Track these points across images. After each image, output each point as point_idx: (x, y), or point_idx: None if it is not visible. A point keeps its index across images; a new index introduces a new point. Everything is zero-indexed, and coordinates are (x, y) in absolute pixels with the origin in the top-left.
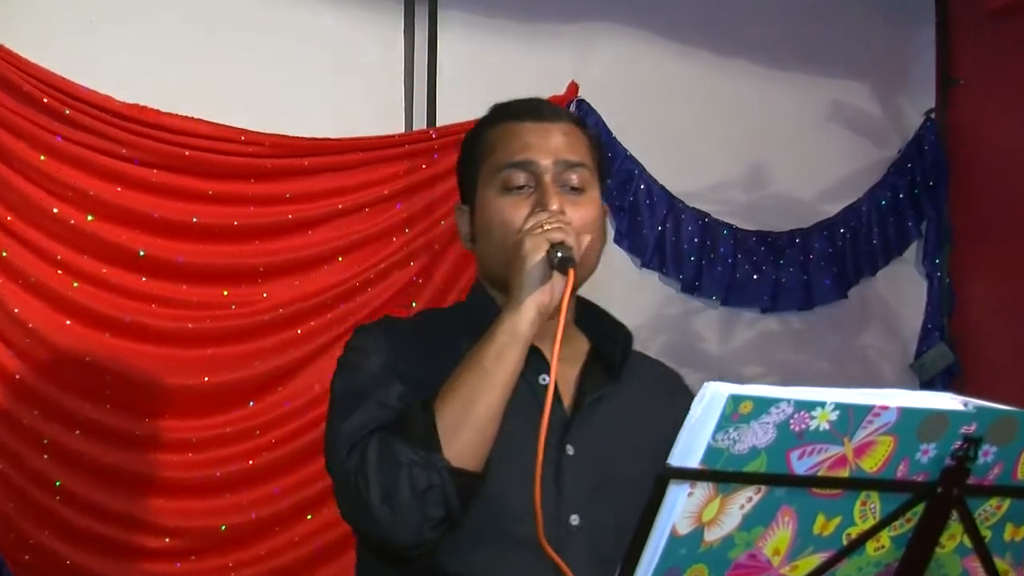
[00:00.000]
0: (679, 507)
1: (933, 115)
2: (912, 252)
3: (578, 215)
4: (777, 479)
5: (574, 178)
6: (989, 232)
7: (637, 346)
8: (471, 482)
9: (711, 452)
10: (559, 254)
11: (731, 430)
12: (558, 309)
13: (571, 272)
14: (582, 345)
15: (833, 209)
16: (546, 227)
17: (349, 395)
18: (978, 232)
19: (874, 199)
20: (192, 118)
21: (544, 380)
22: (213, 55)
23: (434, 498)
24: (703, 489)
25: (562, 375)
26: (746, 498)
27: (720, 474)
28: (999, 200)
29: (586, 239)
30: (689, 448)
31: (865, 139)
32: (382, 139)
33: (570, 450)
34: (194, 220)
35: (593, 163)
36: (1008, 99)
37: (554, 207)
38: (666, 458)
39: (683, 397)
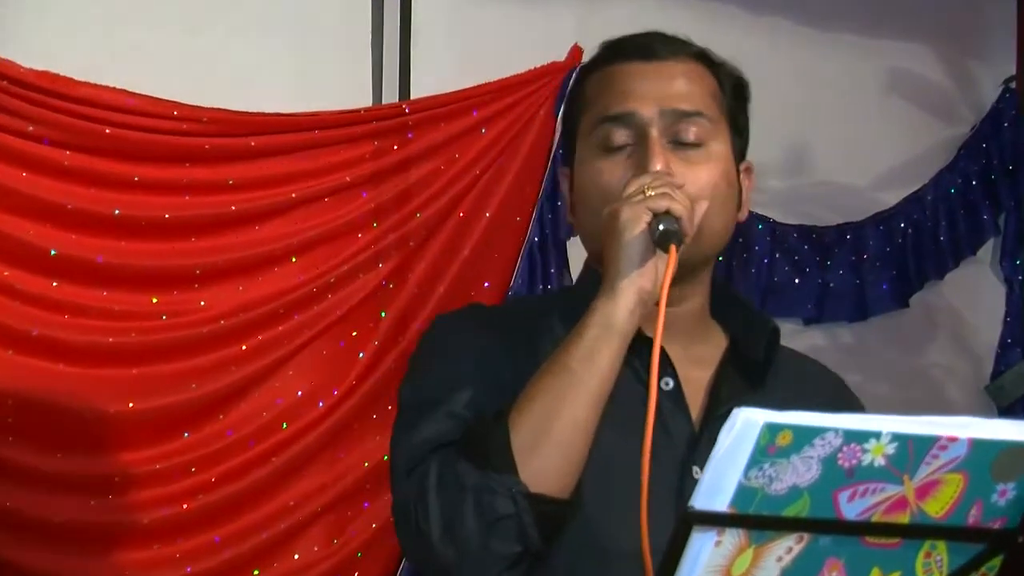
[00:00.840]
0: (704, 558)
1: (1014, 84)
2: (987, 251)
3: (692, 176)
4: (823, 525)
5: (691, 131)
6: None
7: None
8: (555, 510)
9: (743, 492)
10: (661, 226)
11: (767, 466)
12: (689, 290)
13: (672, 249)
14: (719, 342)
15: (891, 199)
16: (649, 192)
17: (416, 403)
18: None
19: (941, 187)
20: (114, 88)
21: (668, 385)
22: (142, 15)
23: (507, 530)
24: (733, 537)
25: (691, 379)
26: (785, 548)
27: (754, 519)
28: None
29: (702, 205)
30: (717, 487)
31: (930, 114)
32: (345, 115)
33: (697, 472)
34: (116, 212)
35: (720, 110)
36: None
37: (658, 167)
38: None
39: (846, 405)
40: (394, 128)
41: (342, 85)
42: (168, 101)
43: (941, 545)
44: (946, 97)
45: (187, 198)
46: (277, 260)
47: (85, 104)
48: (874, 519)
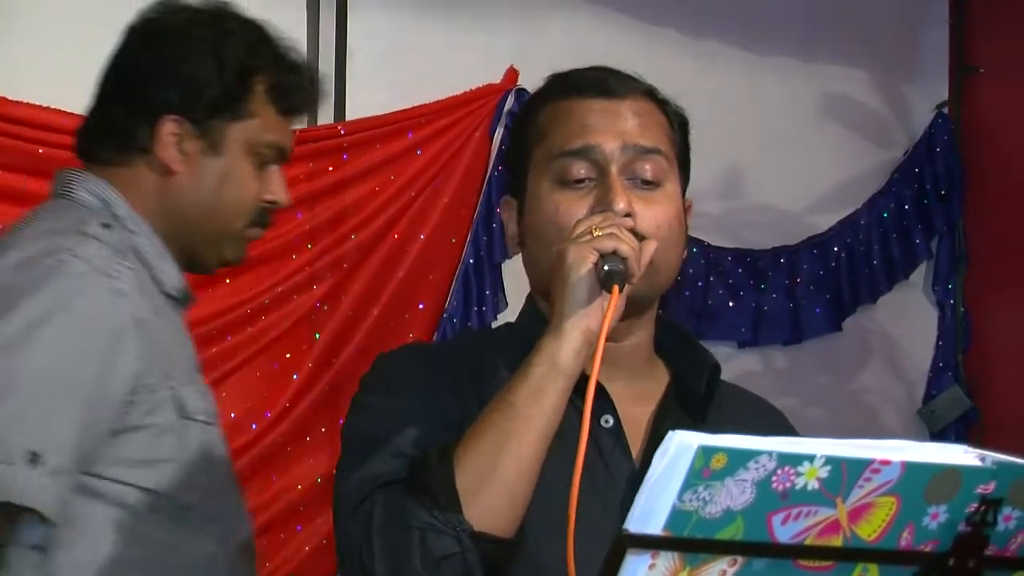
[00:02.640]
0: None
1: (946, 110)
2: (920, 275)
3: (651, 215)
4: (756, 548)
5: (647, 168)
6: (1013, 250)
7: None
8: (499, 550)
9: (677, 515)
10: (606, 267)
11: (701, 489)
12: (634, 327)
13: (615, 290)
14: (662, 378)
15: (826, 223)
16: (596, 232)
17: (360, 442)
18: (1000, 250)
19: (875, 211)
20: (47, 108)
21: (608, 423)
22: (77, 34)
23: (451, 570)
24: (667, 560)
25: (633, 415)
26: (719, 571)
27: (688, 542)
28: None
29: (650, 247)
30: (650, 510)
31: (864, 139)
32: None
33: None
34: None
35: (672, 149)
36: None
37: (620, 206)
38: None
39: None
40: (329, 149)
41: None
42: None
43: (873, 568)
44: (880, 122)
45: None
46: (211, 282)
47: (18, 124)
48: (807, 542)
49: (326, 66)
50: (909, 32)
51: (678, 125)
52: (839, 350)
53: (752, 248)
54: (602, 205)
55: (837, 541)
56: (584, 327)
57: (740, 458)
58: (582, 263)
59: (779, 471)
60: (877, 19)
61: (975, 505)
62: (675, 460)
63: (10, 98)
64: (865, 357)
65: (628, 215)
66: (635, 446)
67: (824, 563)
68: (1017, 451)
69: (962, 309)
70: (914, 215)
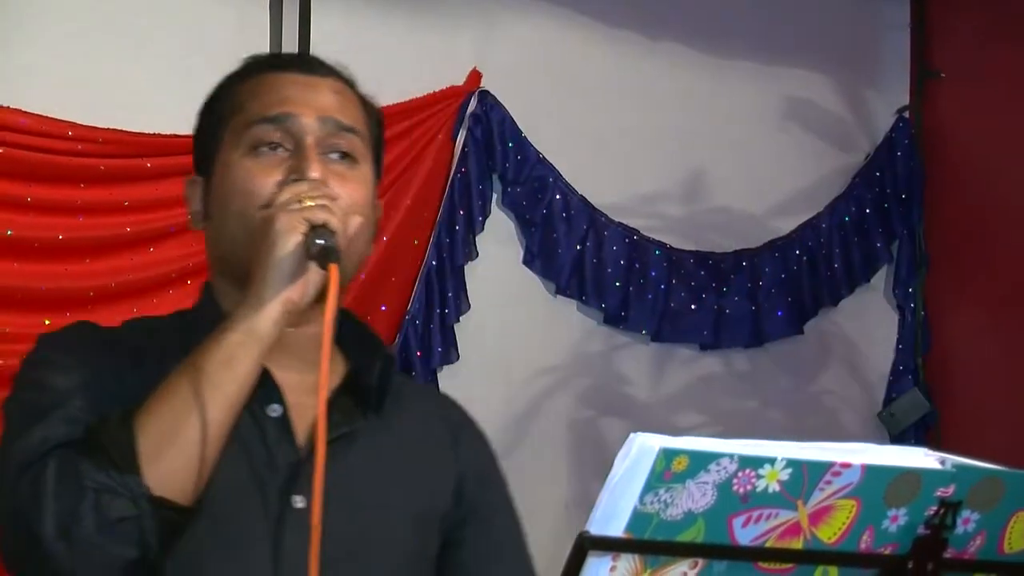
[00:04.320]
0: None
1: (907, 114)
2: (881, 278)
3: (347, 191)
4: (717, 551)
5: (343, 144)
6: (973, 255)
7: (549, 388)
8: (177, 517)
9: (638, 518)
10: (319, 241)
11: (662, 491)
12: (316, 312)
13: (333, 269)
14: (338, 369)
15: (787, 226)
16: (306, 202)
17: (27, 413)
18: (960, 255)
19: (836, 214)
20: (6, 108)
21: (275, 412)
22: (39, 37)
23: (126, 534)
24: (628, 562)
25: (304, 406)
26: (680, 573)
27: (649, 544)
28: (985, 216)
29: (355, 221)
30: (612, 513)
31: (826, 142)
32: None
33: (299, 502)
34: (8, 233)
35: (368, 134)
36: (995, 96)
37: (315, 174)
38: (436, 517)
39: (468, 443)
40: None
41: None
42: (63, 121)
43: (833, 571)
44: (842, 125)
45: (81, 219)
46: (172, 283)
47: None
48: (768, 544)
49: None
50: (870, 36)
51: (375, 120)
52: (800, 353)
53: (714, 251)
54: (296, 174)
55: (798, 544)
56: (286, 298)
57: (701, 460)
58: (291, 232)
59: (740, 473)
60: (838, 23)
61: (934, 508)
62: (636, 462)
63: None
64: (826, 360)
65: (324, 185)
66: (303, 437)
67: (785, 565)
68: (976, 454)
69: (922, 313)
70: (875, 219)
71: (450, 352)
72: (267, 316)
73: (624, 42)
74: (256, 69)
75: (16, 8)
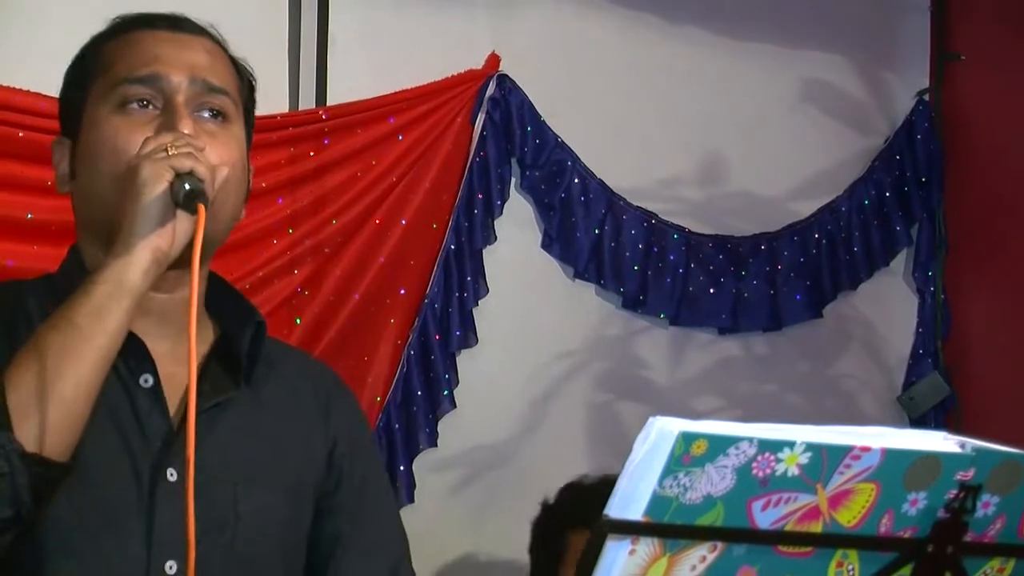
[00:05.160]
0: (618, 567)
1: (927, 97)
2: (900, 262)
3: (216, 150)
4: (736, 534)
5: (217, 104)
6: (992, 238)
7: (568, 372)
8: (51, 473)
9: (657, 501)
10: (187, 186)
11: (681, 475)
12: (186, 276)
13: (201, 209)
14: (206, 335)
15: (806, 210)
16: (172, 151)
17: None
18: (979, 238)
19: (855, 198)
20: (27, 91)
21: (147, 382)
22: (56, 17)
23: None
24: (648, 546)
25: (175, 375)
26: (699, 557)
27: (668, 528)
28: (1005, 199)
29: (223, 172)
30: (631, 496)
31: (845, 125)
32: (261, 120)
33: (172, 475)
34: (29, 216)
35: (239, 98)
36: (1016, 78)
37: (186, 130)
38: (310, 487)
39: (339, 409)
40: (310, 134)
41: (258, 91)
42: None
43: (853, 554)
44: (861, 108)
45: None
46: None
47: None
48: (787, 528)
49: (307, 51)
50: (890, 19)
51: (247, 85)
52: (819, 337)
53: (732, 235)
54: (166, 128)
55: (817, 527)
56: (155, 246)
57: (721, 444)
58: (157, 180)
59: (759, 457)
60: (858, 5)
61: (954, 492)
62: (656, 446)
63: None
64: (845, 344)
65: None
66: (174, 407)
67: (804, 549)
68: (996, 437)
69: (942, 296)
70: (894, 202)
71: (469, 336)
72: (136, 265)
73: (643, 25)
74: (124, 27)
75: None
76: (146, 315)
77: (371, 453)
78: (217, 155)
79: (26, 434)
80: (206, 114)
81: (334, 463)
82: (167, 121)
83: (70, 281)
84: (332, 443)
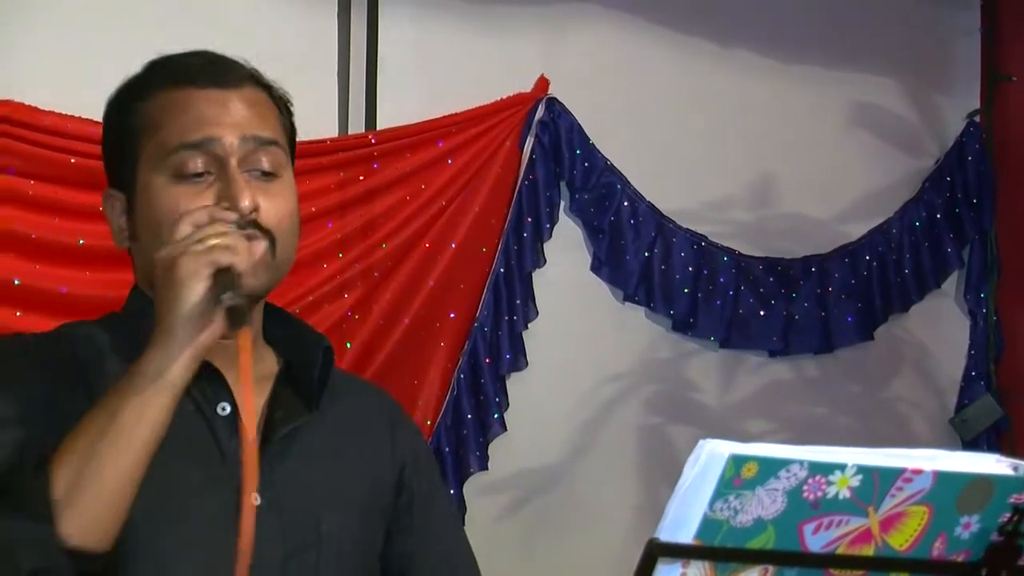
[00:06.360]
0: None
1: (978, 118)
2: (952, 284)
3: (273, 208)
4: (788, 557)
5: (266, 160)
6: None
7: (617, 395)
8: (93, 565)
9: (708, 524)
10: (226, 293)
11: (732, 498)
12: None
13: (243, 336)
14: (270, 364)
15: (857, 232)
16: (211, 240)
17: None
18: None
19: (906, 219)
20: (78, 118)
21: (224, 411)
22: (107, 44)
23: None
24: (698, 569)
25: (247, 404)
26: None
27: (719, 551)
28: None
29: (259, 248)
30: (682, 519)
31: (895, 147)
32: (310, 145)
33: (256, 499)
34: (80, 242)
35: (285, 137)
36: None
37: (246, 203)
38: (380, 508)
39: (403, 432)
40: (360, 159)
41: (308, 115)
42: None
43: None
44: (911, 130)
45: None
46: None
47: (50, 133)
48: (839, 551)
49: (357, 76)
50: (941, 41)
51: (285, 109)
52: (870, 359)
53: (783, 257)
54: (226, 201)
55: (869, 550)
56: (197, 343)
57: (771, 467)
58: (196, 279)
59: (810, 480)
60: (909, 28)
61: (1008, 515)
62: (706, 469)
63: (41, 108)
64: (896, 366)
65: (255, 210)
66: (249, 432)
67: (856, 572)
68: None
69: (994, 318)
70: (945, 223)
71: (519, 359)
72: (178, 363)
73: (691, 48)
74: (164, 81)
75: (99, 11)
76: (212, 352)
77: (437, 476)
78: (273, 216)
79: (70, 528)
80: (258, 173)
81: (403, 484)
82: (225, 191)
83: (139, 322)
84: (400, 465)
